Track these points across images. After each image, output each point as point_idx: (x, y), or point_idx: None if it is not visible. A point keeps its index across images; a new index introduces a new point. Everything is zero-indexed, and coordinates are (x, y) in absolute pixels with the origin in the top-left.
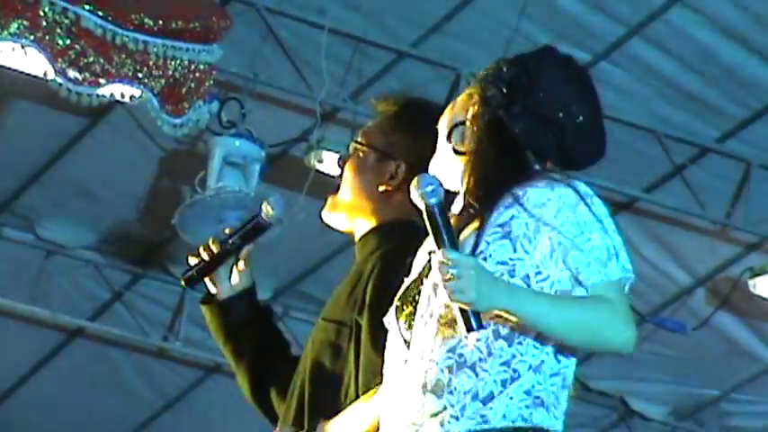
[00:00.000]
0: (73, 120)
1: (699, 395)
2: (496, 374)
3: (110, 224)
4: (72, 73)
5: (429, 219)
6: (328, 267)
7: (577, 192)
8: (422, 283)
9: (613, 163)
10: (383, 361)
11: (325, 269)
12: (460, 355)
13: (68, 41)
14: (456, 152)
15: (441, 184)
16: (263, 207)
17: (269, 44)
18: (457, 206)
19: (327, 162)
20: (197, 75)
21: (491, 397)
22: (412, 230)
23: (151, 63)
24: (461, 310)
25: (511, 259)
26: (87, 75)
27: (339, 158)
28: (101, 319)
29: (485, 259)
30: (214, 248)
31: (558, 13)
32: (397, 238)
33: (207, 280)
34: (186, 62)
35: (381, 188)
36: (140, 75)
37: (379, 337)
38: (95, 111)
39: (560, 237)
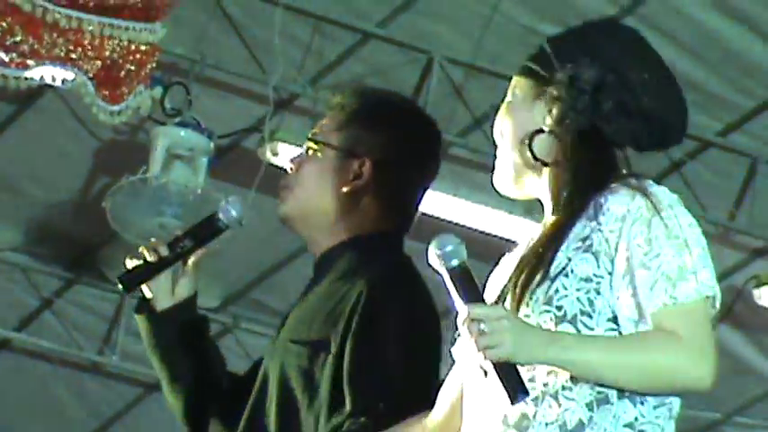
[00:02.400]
0: None
1: (698, 418)
2: (586, 397)
3: (39, 223)
4: None
5: (451, 280)
6: (283, 273)
7: (654, 203)
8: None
9: None
10: (355, 397)
11: (279, 275)
12: (545, 384)
13: None
14: (539, 163)
15: (461, 242)
16: (222, 207)
17: (218, 22)
18: (545, 217)
19: (283, 155)
20: (137, 56)
21: (581, 427)
22: (392, 247)
23: (86, 43)
24: (500, 374)
25: (595, 275)
26: (14, 55)
27: (291, 160)
28: (28, 330)
29: (566, 275)
30: (162, 251)
31: None
32: (381, 259)
33: (145, 285)
34: (125, 42)
35: (346, 189)
36: (74, 56)
37: (361, 371)
38: (23, 96)
39: (631, 254)
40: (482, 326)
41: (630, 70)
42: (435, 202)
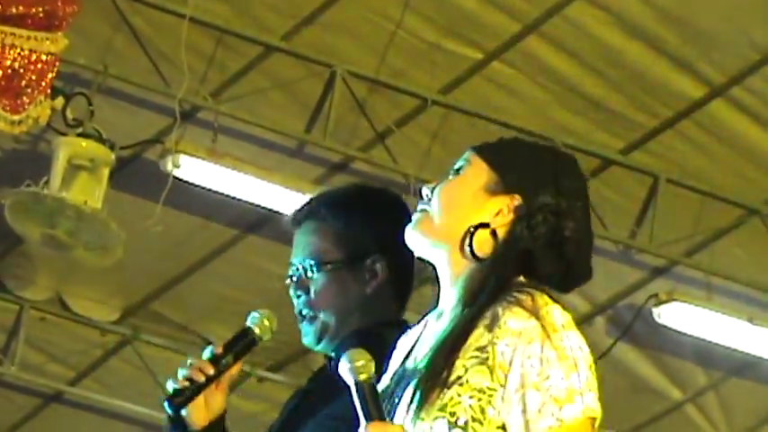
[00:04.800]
0: None
1: None
2: None
3: None
4: None
5: (357, 393)
6: (184, 286)
7: (546, 325)
8: None
9: None
10: None
11: (180, 287)
12: None
13: None
14: (472, 255)
15: (371, 360)
16: (259, 320)
17: (122, 33)
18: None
19: (186, 167)
20: (39, 66)
21: None
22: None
23: None
24: None
25: (489, 387)
26: None
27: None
28: None
29: (461, 385)
30: (209, 370)
31: (445, 6)
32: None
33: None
34: (27, 52)
35: (368, 291)
36: None
37: None
38: None
39: (524, 372)
40: None
41: (578, 210)
42: None
